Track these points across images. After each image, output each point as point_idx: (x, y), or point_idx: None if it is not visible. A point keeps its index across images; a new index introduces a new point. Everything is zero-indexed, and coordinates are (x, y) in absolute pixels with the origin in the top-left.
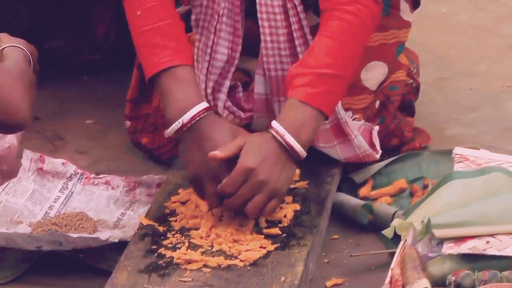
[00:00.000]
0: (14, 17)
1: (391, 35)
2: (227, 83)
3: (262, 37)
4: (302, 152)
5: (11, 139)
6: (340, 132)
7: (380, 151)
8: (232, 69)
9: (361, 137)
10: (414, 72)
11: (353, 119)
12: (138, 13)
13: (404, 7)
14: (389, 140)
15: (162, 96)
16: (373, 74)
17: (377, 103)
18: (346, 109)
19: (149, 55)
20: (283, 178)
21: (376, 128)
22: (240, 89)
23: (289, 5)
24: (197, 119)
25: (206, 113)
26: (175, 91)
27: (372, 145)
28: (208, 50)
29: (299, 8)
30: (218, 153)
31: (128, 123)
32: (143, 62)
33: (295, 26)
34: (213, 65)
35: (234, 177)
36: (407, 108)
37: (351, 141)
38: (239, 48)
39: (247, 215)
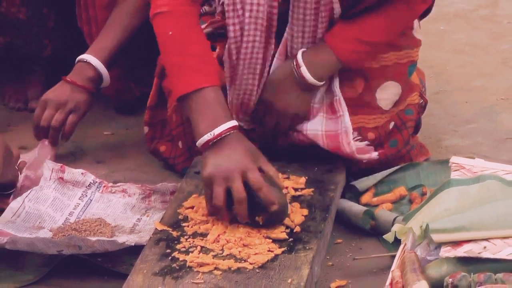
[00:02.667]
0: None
1: (405, 55)
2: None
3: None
4: (315, 82)
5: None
6: (331, 110)
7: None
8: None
9: (348, 118)
10: (423, 90)
11: (356, 139)
12: (170, 33)
13: (416, 25)
14: (397, 163)
15: (192, 113)
16: (387, 94)
17: (392, 124)
18: (358, 128)
19: (180, 75)
20: (300, 104)
21: (375, 154)
22: None
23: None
24: (226, 134)
25: (234, 131)
26: (206, 109)
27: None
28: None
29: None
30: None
31: (146, 128)
32: (173, 80)
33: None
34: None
35: (258, 109)
36: (415, 126)
37: (337, 118)
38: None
39: (280, 133)
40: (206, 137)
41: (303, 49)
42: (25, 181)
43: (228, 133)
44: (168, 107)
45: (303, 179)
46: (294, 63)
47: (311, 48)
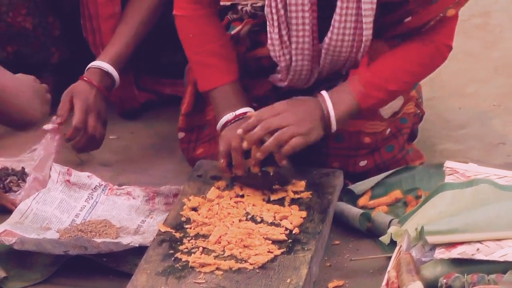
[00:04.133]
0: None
1: None
2: None
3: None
4: (334, 124)
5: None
6: None
7: None
8: None
9: None
10: (419, 101)
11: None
12: (191, 35)
13: None
14: (394, 167)
15: (215, 105)
16: (391, 105)
17: (388, 130)
18: (356, 131)
19: (202, 73)
20: (311, 127)
21: (362, 163)
22: None
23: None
24: (244, 116)
25: None
26: (226, 100)
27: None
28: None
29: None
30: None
31: (181, 134)
32: (197, 77)
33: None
34: None
35: (269, 108)
36: (412, 134)
37: None
38: None
39: (268, 144)
40: (227, 117)
41: (327, 92)
42: (33, 182)
43: (246, 115)
44: (210, 109)
45: (303, 183)
46: (320, 100)
47: (335, 90)
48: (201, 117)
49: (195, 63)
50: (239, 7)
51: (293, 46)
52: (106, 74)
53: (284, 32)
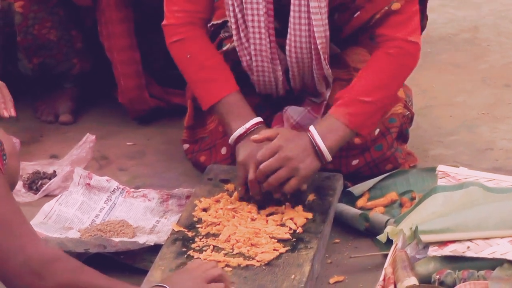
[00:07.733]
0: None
1: None
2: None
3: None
4: (327, 154)
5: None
6: (317, 109)
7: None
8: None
9: None
10: (409, 104)
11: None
12: (188, 56)
13: None
14: (385, 165)
15: (223, 117)
16: None
17: (377, 131)
18: None
19: (206, 89)
20: (308, 164)
21: (354, 162)
22: None
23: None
24: (255, 127)
25: (261, 125)
26: (233, 112)
27: None
28: (273, 86)
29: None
30: (256, 136)
31: (186, 145)
32: (199, 95)
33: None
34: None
35: (265, 149)
36: (403, 136)
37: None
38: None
39: (267, 187)
40: (239, 131)
41: (314, 126)
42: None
43: (256, 127)
44: (211, 122)
45: (305, 186)
46: (309, 135)
47: (321, 121)
48: (203, 130)
49: (197, 81)
50: (228, 24)
51: (252, 47)
52: None
53: (242, 34)
